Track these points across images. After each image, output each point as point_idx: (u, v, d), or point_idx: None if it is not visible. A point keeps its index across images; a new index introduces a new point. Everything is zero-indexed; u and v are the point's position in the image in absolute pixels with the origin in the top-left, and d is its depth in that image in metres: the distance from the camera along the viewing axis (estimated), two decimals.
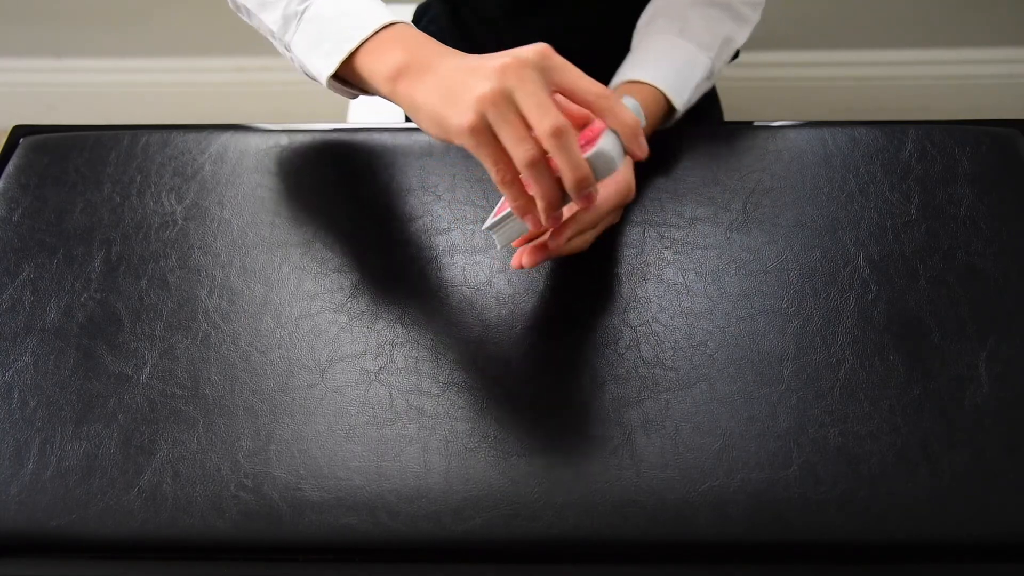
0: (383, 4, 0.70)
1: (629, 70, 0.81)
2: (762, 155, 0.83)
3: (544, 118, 0.55)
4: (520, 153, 0.56)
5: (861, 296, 0.72)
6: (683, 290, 0.72)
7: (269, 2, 0.73)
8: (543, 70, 0.57)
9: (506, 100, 0.56)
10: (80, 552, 0.62)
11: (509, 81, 0.56)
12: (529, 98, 0.56)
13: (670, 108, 0.80)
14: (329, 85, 0.70)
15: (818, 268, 0.74)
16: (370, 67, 0.66)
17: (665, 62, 0.80)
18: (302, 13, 0.71)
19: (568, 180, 0.57)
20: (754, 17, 0.86)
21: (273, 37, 0.74)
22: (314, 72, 0.70)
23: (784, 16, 1.64)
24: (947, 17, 1.63)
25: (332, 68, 0.68)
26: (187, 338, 0.70)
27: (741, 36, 0.85)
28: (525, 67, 0.57)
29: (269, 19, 0.74)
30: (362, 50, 0.67)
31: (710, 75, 0.83)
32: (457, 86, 0.58)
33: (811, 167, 0.81)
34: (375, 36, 0.66)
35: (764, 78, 1.72)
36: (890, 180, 0.80)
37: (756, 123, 0.87)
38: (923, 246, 0.75)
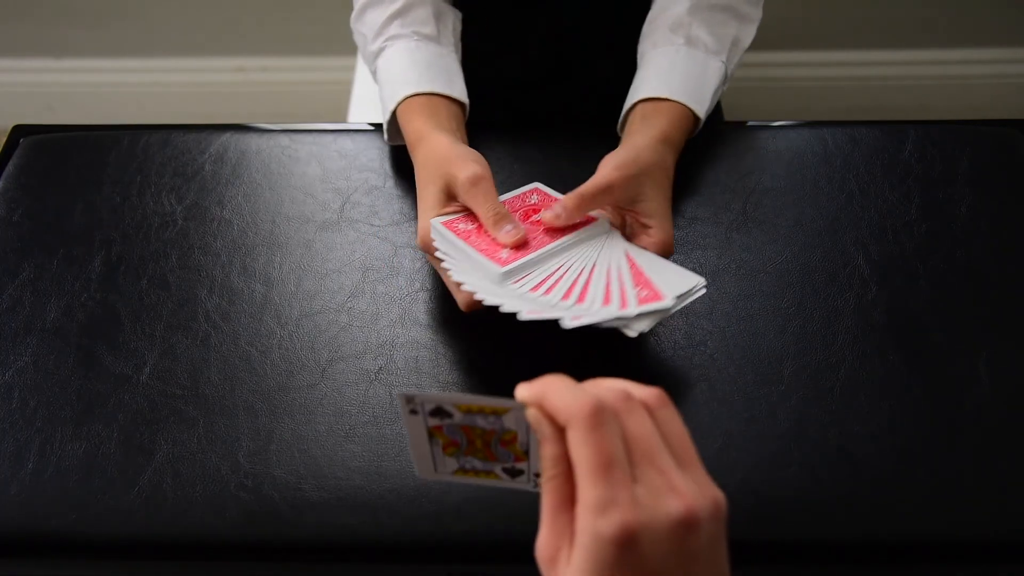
0: (426, 62, 0.79)
1: (644, 87, 0.79)
2: (762, 155, 0.83)
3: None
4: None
5: (861, 296, 0.72)
6: None
7: (363, 54, 0.85)
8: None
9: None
10: (80, 552, 0.62)
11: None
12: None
13: (693, 119, 0.78)
14: (393, 143, 0.83)
15: (818, 268, 0.74)
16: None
17: (679, 74, 0.78)
18: (375, 73, 0.83)
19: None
20: (756, 14, 0.85)
21: None
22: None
23: (784, 16, 1.64)
24: (947, 17, 1.63)
25: (386, 136, 0.81)
26: (187, 338, 0.70)
27: (747, 35, 0.84)
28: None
29: (370, 71, 0.85)
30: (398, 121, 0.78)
31: (725, 79, 0.81)
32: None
33: (811, 167, 0.81)
34: (398, 111, 0.77)
35: (764, 78, 1.72)
36: (890, 180, 0.80)
37: (756, 123, 0.87)
38: (923, 246, 0.75)
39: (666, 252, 0.68)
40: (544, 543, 0.39)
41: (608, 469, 0.38)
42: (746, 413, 0.65)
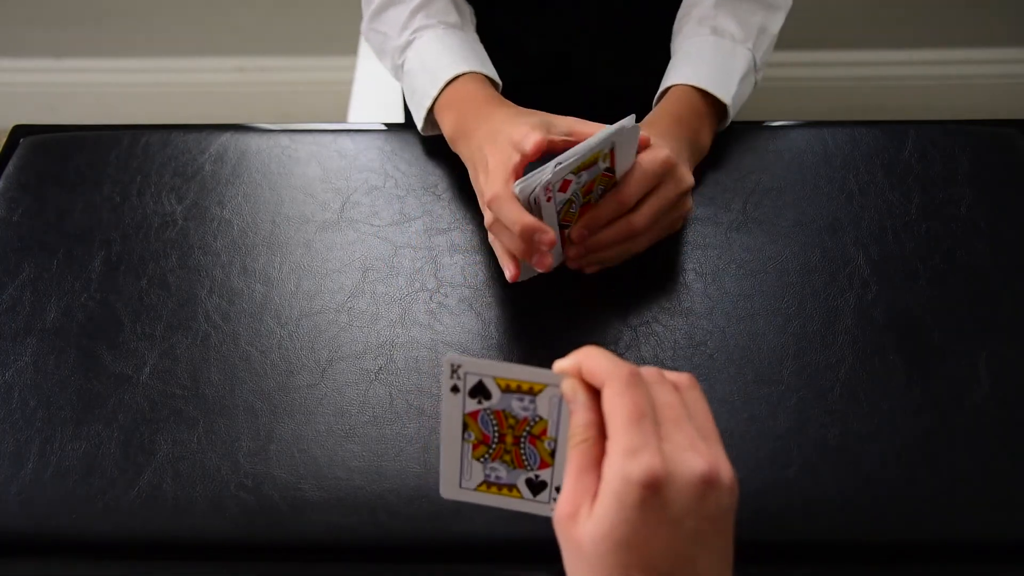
0: (460, 46, 0.80)
1: (671, 76, 0.80)
2: (762, 155, 0.83)
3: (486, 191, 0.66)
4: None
5: (861, 296, 0.72)
6: (683, 290, 0.72)
7: (384, 52, 0.85)
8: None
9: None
10: (80, 552, 0.62)
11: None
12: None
13: (718, 105, 0.79)
14: (428, 134, 0.82)
15: (818, 268, 0.74)
16: (441, 126, 0.78)
17: (702, 61, 0.79)
18: (402, 66, 0.82)
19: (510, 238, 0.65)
20: (785, 1, 0.85)
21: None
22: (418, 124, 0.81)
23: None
24: (947, 17, 1.63)
25: (421, 126, 0.80)
26: (187, 338, 0.70)
27: (775, 23, 0.84)
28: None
29: (387, 68, 0.86)
30: (436, 107, 0.78)
31: (754, 66, 0.82)
32: (479, 162, 0.70)
33: (811, 167, 0.81)
34: (442, 94, 0.77)
35: (764, 78, 1.71)
36: (890, 180, 0.80)
37: (756, 123, 0.87)
38: (923, 246, 0.75)
39: (657, 164, 0.67)
40: (565, 501, 0.40)
41: (640, 419, 0.40)
42: (746, 413, 0.65)
